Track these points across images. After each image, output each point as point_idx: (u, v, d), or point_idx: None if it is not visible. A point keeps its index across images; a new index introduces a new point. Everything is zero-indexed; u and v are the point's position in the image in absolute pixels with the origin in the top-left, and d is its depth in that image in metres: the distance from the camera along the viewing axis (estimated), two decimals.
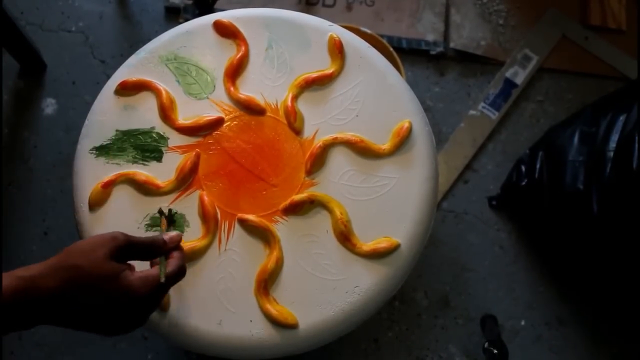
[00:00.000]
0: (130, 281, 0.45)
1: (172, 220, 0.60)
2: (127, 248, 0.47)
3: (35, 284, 0.42)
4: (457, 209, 1.17)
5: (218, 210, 0.64)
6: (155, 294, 0.47)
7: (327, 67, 0.70)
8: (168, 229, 0.58)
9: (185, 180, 0.65)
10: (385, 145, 0.66)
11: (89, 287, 0.44)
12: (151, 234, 0.62)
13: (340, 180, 0.66)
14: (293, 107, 0.67)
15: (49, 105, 1.20)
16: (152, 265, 0.51)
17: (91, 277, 0.44)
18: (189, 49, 0.71)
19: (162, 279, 0.48)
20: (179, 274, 0.50)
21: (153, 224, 0.63)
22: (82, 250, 0.45)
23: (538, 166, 1.09)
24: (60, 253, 0.46)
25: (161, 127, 0.68)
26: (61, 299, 0.43)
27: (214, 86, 0.69)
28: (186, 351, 1.05)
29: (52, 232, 1.12)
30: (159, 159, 0.67)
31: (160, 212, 0.58)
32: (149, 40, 0.72)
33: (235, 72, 0.69)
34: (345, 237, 0.62)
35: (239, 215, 0.64)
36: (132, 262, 0.49)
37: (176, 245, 0.53)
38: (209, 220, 0.63)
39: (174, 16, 1.26)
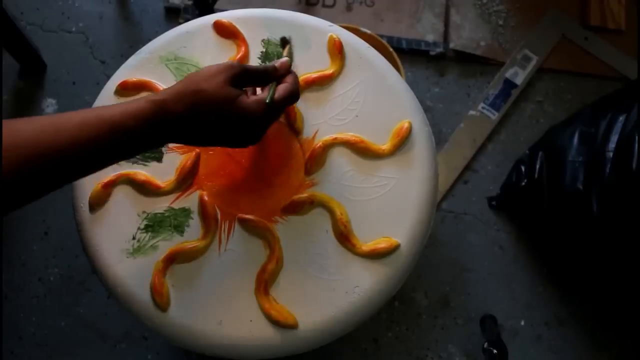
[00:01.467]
0: (246, 103, 0.51)
1: (286, 43, 0.66)
2: (243, 75, 0.52)
3: (165, 107, 0.48)
4: (456, 209, 1.17)
5: (218, 210, 0.64)
6: (267, 114, 0.53)
7: (327, 67, 0.70)
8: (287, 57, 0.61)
9: (185, 181, 0.65)
10: (385, 146, 0.66)
11: (212, 108, 0.49)
12: None
13: (340, 180, 0.66)
14: (293, 108, 0.67)
15: (50, 106, 1.20)
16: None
17: (213, 100, 0.49)
18: (189, 49, 0.71)
19: (267, 100, 0.52)
20: (290, 97, 0.55)
21: (152, 224, 0.64)
22: (204, 77, 0.50)
23: (538, 166, 1.09)
24: (183, 79, 0.51)
25: None
26: (188, 119, 0.49)
27: None
28: (186, 351, 1.05)
29: (52, 232, 1.12)
30: (159, 159, 0.67)
31: (283, 40, 0.65)
32: (149, 40, 0.72)
33: None
34: (345, 237, 0.62)
35: (239, 215, 0.64)
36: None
37: (287, 70, 0.57)
38: (209, 220, 0.63)
39: (174, 16, 1.27)
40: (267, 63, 0.58)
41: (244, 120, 0.51)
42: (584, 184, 0.96)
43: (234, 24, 0.71)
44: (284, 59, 0.58)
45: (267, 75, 0.55)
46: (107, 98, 0.69)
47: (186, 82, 0.50)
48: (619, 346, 1.10)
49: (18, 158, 0.42)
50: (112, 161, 0.49)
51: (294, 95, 0.56)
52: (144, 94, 0.69)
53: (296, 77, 0.58)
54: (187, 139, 0.51)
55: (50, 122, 0.45)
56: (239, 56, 0.70)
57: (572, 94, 1.26)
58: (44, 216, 1.12)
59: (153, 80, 0.69)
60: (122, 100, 0.69)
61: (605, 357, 1.10)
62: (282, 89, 0.55)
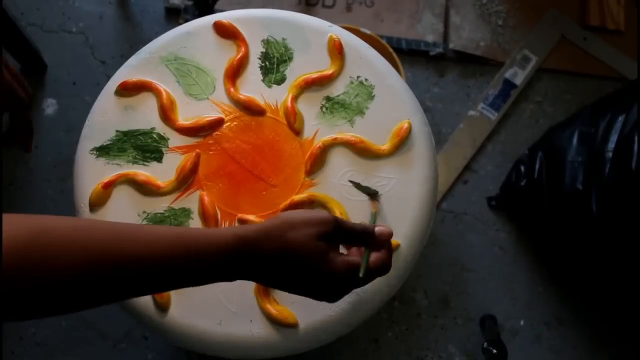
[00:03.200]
0: (334, 263, 0.47)
1: (374, 194, 0.63)
2: (337, 234, 0.49)
3: (249, 244, 0.45)
4: (456, 209, 1.17)
5: (218, 211, 0.64)
6: (353, 281, 0.49)
7: (327, 67, 0.70)
8: (375, 214, 0.59)
9: (185, 181, 0.65)
10: (385, 146, 0.67)
11: (297, 259, 0.46)
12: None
13: (340, 180, 0.66)
14: (293, 108, 0.67)
15: (50, 106, 1.20)
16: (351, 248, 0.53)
17: (300, 251, 0.46)
18: (189, 49, 0.71)
19: (361, 274, 0.48)
20: (381, 271, 0.51)
21: (152, 224, 0.64)
22: (295, 225, 0.47)
23: (537, 166, 1.09)
24: (274, 219, 0.48)
25: (161, 128, 0.68)
26: (270, 262, 0.46)
27: (214, 87, 0.70)
28: (186, 351, 1.05)
29: None
30: (159, 159, 0.67)
31: (369, 193, 0.61)
32: (149, 41, 0.73)
33: (235, 72, 0.70)
34: None
35: (239, 215, 0.64)
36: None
37: (386, 239, 0.52)
38: (209, 221, 0.63)
39: (174, 17, 1.27)
40: (366, 223, 0.54)
41: (328, 278, 0.48)
42: (583, 184, 0.96)
43: (234, 24, 0.72)
44: (386, 228, 0.52)
45: (363, 239, 0.51)
46: (107, 98, 0.69)
47: (276, 222, 0.47)
48: (618, 346, 1.10)
49: (89, 259, 0.38)
50: (176, 286, 0.46)
51: (385, 269, 0.51)
52: (142, 95, 0.69)
53: (391, 249, 0.52)
54: (264, 280, 0.48)
55: (127, 229, 0.42)
56: (239, 56, 0.70)
57: (571, 94, 1.26)
58: None
59: (153, 81, 0.69)
60: (123, 100, 0.69)
61: (605, 357, 1.10)
62: (374, 260, 0.50)
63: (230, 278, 0.46)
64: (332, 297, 0.50)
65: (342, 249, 0.52)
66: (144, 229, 0.44)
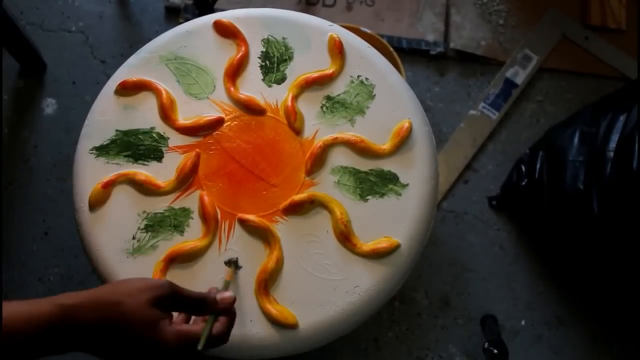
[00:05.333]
0: (165, 333, 0.44)
1: (237, 267, 0.59)
2: (172, 299, 0.46)
3: (73, 313, 0.42)
4: (457, 209, 1.17)
5: (218, 210, 0.64)
6: (187, 354, 0.45)
7: (327, 67, 0.70)
8: (227, 283, 0.55)
9: (185, 180, 0.65)
10: (386, 145, 0.66)
11: (125, 327, 0.43)
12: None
13: (340, 180, 0.66)
14: (293, 107, 0.67)
15: (49, 105, 1.20)
16: (191, 318, 0.50)
17: (129, 318, 0.43)
18: (189, 49, 0.71)
19: (200, 346, 0.45)
20: (218, 342, 0.48)
21: (152, 223, 0.63)
22: (127, 290, 0.45)
23: (538, 166, 1.09)
24: (105, 285, 0.46)
25: (161, 127, 0.68)
26: (96, 332, 0.43)
27: (214, 86, 0.69)
28: None
29: (52, 232, 1.12)
30: (159, 159, 0.67)
31: (229, 262, 0.57)
32: (149, 40, 0.72)
33: (235, 72, 0.69)
34: (345, 237, 0.62)
35: (239, 215, 0.64)
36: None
37: (227, 307, 0.49)
38: (209, 220, 0.63)
39: (174, 16, 1.26)
40: (206, 290, 0.51)
41: (156, 350, 0.44)
42: (584, 183, 0.96)
43: (234, 23, 0.71)
44: (227, 294, 0.50)
45: (202, 307, 0.48)
46: (107, 98, 0.69)
47: (107, 289, 0.45)
48: (619, 346, 1.10)
49: None
50: None
51: (223, 341, 0.48)
52: (142, 94, 0.69)
53: (233, 320, 0.50)
54: (94, 351, 0.44)
55: None
56: (239, 55, 0.70)
57: (572, 94, 1.26)
58: (43, 216, 1.12)
59: (153, 80, 0.69)
60: (122, 99, 0.68)
61: (605, 357, 1.10)
62: (214, 329, 0.47)
63: (59, 350, 0.42)
64: None
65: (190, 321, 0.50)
66: None
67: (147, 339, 0.44)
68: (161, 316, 0.45)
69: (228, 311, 0.50)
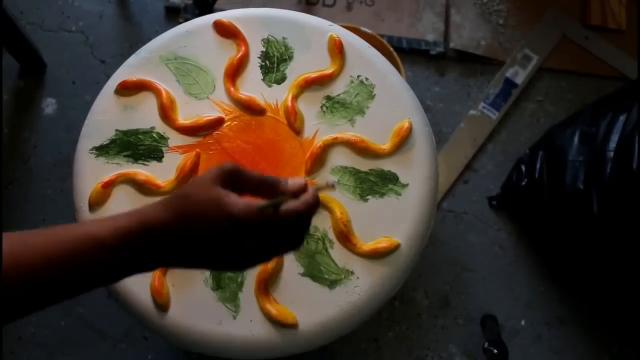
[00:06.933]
0: (232, 203, 0.41)
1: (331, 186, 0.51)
2: (235, 175, 0.44)
3: (151, 221, 0.41)
4: (457, 209, 1.17)
5: None
6: (262, 225, 0.41)
7: (327, 67, 0.70)
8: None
9: (185, 180, 0.65)
10: (386, 145, 0.66)
11: (195, 213, 0.41)
12: None
13: (340, 180, 0.66)
14: (293, 107, 0.67)
15: (49, 105, 1.20)
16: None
17: (197, 202, 0.41)
18: (189, 48, 0.71)
19: (261, 206, 0.41)
20: (302, 215, 0.43)
21: None
22: (192, 182, 0.44)
23: (538, 166, 1.09)
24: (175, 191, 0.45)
25: (161, 127, 0.68)
26: (174, 229, 0.41)
27: (214, 86, 0.69)
28: (186, 351, 1.05)
29: None
30: (159, 159, 0.67)
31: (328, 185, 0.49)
32: (149, 40, 0.72)
33: (235, 72, 0.69)
34: (345, 237, 0.62)
35: None
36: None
37: (299, 190, 0.44)
38: None
39: (174, 16, 1.26)
40: (274, 177, 0.46)
41: (229, 224, 0.40)
42: (584, 183, 0.96)
43: (234, 23, 0.71)
44: (299, 178, 0.46)
45: (272, 187, 0.45)
46: (107, 98, 0.69)
47: (176, 192, 0.44)
48: (619, 346, 1.10)
49: None
50: (91, 285, 0.42)
51: (304, 215, 0.43)
52: (142, 94, 0.69)
53: (317, 195, 0.44)
54: (177, 256, 0.43)
55: (23, 238, 0.40)
56: (239, 55, 0.70)
57: (572, 94, 1.26)
58: (43, 216, 1.12)
59: (153, 80, 0.69)
60: (122, 99, 0.68)
61: (605, 357, 1.10)
62: (294, 202, 0.42)
63: (141, 263, 0.42)
64: (240, 255, 0.43)
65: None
66: (39, 236, 0.41)
67: (217, 216, 0.41)
68: (225, 192, 0.42)
69: (304, 191, 0.45)
